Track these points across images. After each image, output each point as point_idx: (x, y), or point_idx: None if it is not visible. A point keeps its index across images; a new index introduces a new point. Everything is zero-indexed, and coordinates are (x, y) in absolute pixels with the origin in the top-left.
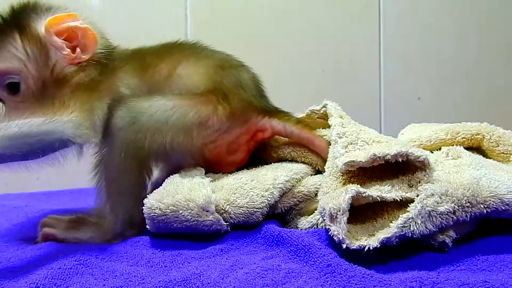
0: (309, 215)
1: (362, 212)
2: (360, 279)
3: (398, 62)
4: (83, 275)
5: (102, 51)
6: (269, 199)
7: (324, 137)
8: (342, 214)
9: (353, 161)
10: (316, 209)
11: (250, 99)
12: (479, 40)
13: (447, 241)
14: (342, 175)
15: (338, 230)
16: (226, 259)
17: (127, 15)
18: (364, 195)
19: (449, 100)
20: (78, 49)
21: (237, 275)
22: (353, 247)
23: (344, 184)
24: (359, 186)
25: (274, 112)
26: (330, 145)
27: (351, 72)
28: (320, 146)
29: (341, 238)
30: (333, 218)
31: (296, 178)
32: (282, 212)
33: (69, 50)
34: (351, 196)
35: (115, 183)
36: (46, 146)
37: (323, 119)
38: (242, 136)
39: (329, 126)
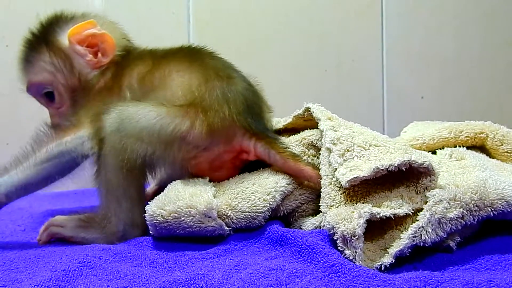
0: (313, 217)
1: (371, 223)
2: (364, 279)
3: (401, 61)
4: (87, 277)
5: (121, 53)
6: (271, 203)
7: (311, 136)
8: (357, 239)
9: (356, 177)
10: (318, 210)
11: (234, 116)
12: (481, 39)
13: (451, 244)
14: None
15: (354, 255)
16: (230, 259)
17: (129, 16)
18: (378, 216)
19: (452, 99)
20: (99, 54)
21: (241, 275)
22: None
23: (348, 194)
24: (371, 206)
25: (261, 135)
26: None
27: (354, 72)
28: (307, 176)
29: (357, 264)
30: (346, 241)
31: (298, 181)
32: (285, 215)
33: (91, 55)
34: (366, 220)
35: (112, 185)
36: (60, 168)
37: (310, 120)
38: (225, 154)
39: (316, 126)
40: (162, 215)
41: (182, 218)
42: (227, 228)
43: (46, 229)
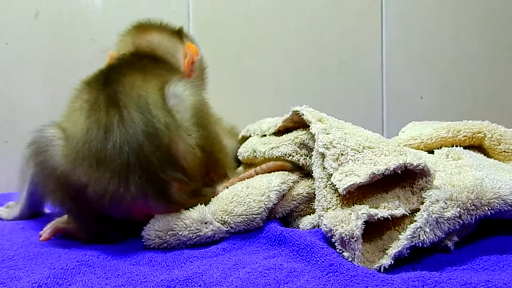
0: (310, 216)
1: (368, 225)
2: (362, 279)
3: (401, 61)
4: (85, 274)
5: None
6: (266, 203)
7: (303, 135)
8: (356, 241)
9: (352, 184)
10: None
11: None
12: (481, 40)
13: (449, 244)
14: None
15: (353, 256)
16: (228, 258)
17: (129, 15)
18: (376, 217)
19: (452, 99)
20: None
21: (239, 274)
22: None
23: (344, 197)
24: (368, 208)
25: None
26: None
27: (354, 72)
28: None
29: (356, 265)
30: (345, 243)
31: (292, 179)
32: (284, 216)
33: None
34: (364, 222)
35: None
36: None
37: (300, 122)
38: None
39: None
40: (159, 236)
41: (180, 233)
42: (226, 229)
43: (52, 226)
